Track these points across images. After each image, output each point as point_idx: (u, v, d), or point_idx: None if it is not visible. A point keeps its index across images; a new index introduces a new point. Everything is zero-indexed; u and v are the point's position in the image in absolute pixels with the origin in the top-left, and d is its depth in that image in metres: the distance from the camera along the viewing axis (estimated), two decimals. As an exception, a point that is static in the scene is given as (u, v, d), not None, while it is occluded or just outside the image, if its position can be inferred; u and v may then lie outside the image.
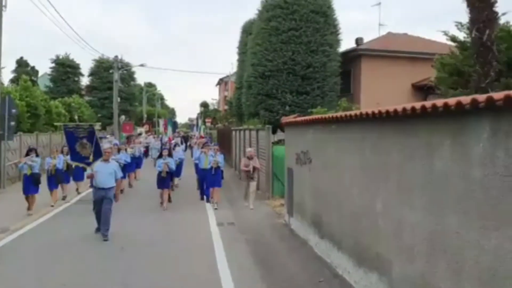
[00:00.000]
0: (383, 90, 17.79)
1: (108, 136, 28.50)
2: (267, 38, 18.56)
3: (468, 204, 3.40)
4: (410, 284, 4.26)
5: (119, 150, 14.17)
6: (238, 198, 12.68)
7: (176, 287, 5.87)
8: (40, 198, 10.98)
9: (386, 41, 21.12)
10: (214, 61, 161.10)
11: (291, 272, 6.39)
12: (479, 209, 3.27)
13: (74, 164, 10.75)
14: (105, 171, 8.32)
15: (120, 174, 8.88)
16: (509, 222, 2.97)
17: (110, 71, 39.38)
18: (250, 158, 11.56)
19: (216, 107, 62.45)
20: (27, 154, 11.03)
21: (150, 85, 68.86)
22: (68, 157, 10.70)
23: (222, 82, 57.87)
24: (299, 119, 8.91)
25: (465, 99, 3.27)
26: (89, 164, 8.75)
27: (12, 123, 13.56)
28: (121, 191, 13.06)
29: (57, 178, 11.67)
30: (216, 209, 11.12)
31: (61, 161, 11.70)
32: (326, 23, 18.58)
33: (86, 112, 33.17)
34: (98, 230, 8.34)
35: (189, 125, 63.75)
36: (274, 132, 15.51)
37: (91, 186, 9.18)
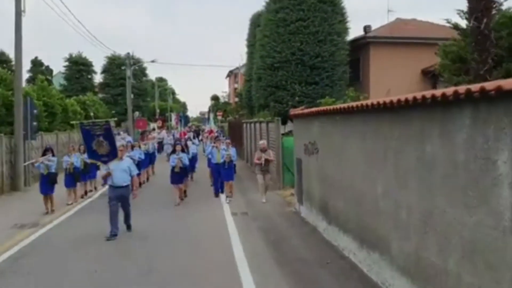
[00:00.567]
0: (392, 77, 17.70)
1: (121, 132, 29.19)
2: (275, 29, 18.69)
3: (453, 185, 3.79)
4: (406, 259, 4.68)
5: (132, 147, 14.39)
6: (250, 189, 13.14)
7: (195, 269, 6.36)
8: (60, 196, 11.29)
9: (395, 27, 20.86)
10: (223, 53, 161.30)
11: (301, 255, 6.85)
12: (463, 189, 3.66)
13: (91, 161, 10.47)
14: (120, 169, 8.32)
15: (135, 170, 8.84)
16: (486, 200, 3.36)
17: (122, 68, 40.12)
18: (262, 150, 11.52)
19: (226, 99, 62.82)
20: (43, 154, 11.12)
21: (161, 80, 69.53)
22: (85, 155, 10.64)
23: (231, 74, 58.13)
24: (306, 111, 9.29)
25: (449, 91, 3.64)
26: (106, 162, 8.50)
27: (34, 123, 14.20)
28: (140, 184, 13.17)
29: (74, 177, 11.81)
30: (229, 202, 11.25)
31: (78, 159, 11.84)
32: (334, 12, 18.63)
33: (101, 109, 33.88)
34: (111, 237, 8.02)
35: (201, 119, 64.30)
36: (284, 123, 15.78)
37: (104, 183, 9.40)
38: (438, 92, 3.80)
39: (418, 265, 4.43)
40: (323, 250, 6.99)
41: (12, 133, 15.13)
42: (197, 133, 31.62)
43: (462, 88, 3.47)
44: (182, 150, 11.88)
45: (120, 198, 8.26)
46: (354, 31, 21.77)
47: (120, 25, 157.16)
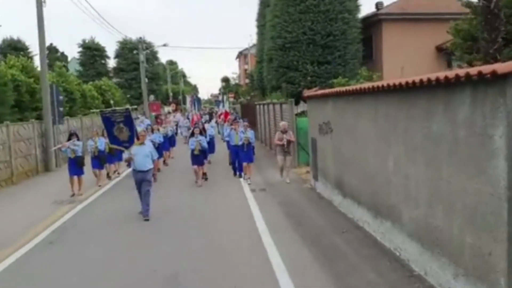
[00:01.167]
0: (406, 54, 17.62)
1: (139, 116, 29.88)
2: (285, 9, 18.69)
3: (456, 157, 4.26)
4: (416, 226, 5.20)
5: (152, 130, 14.82)
6: (266, 168, 13.71)
7: (222, 239, 7.01)
8: (88, 178, 11.91)
9: (408, 3, 20.24)
10: (232, 34, 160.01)
11: (318, 225, 7.45)
12: (464, 162, 4.13)
13: (113, 147, 10.74)
14: (141, 154, 8.54)
15: (156, 155, 9.04)
16: (484, 170, 3.84)
17: (134, 52, 40.61)
18: (283, 131, 11.51)
19: (237, 81, 62.94)
20: (69, 139, 11.50)
21: (171, 63, 69.90)
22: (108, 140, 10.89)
23: (241, 55, 58.04)
24: (319, 92, 9.72)
25: (451, 74, 4.08)
26: (127, 147, 8.78)
27: (61, 109, 14.97)
28: (158, 169, 13.45)
29: (100, 159, 12.27)
30: (249, 184, 11.41)
31: (102, 143, 12.26)
32: None
33: (117, 93, 34.56)
34: (141, 212, 8.55)
35: (214, 101, 64.65)
36: (297, 103, 16.08)
37: (128, 165, 9.85)
38: (441, 75, 4.24)
39: (426, 230, 4.95)
40: (339, 221, 7.57)
41: (37, 118, 16.08)
42: (210, 116, 32.15)
43: (462, 71, 3.90)
44: (200, 133, 12.17)
45: (142, 181, 8.55)
46: (367, 8, 21.60)
47: (128, 7, 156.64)
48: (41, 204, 10.31)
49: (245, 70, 52.58)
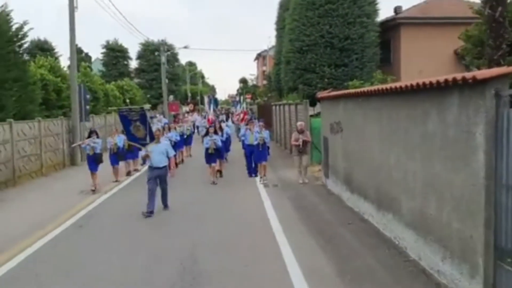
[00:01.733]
0: (424, 58, 17.71)
1: (157, 115, 30.82)
2: (304, 13, 19.15)
3: (446, 153, 4.78)
4: (413, 216, 5.72)
5: (169, 129, 15.34)
6: (280, 166, 14.26)
7: (236, 226, 7.66)
8: (107, 173, 12.51)
9: (427, 7, 20.50)
10: (251, 36, 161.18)
11: (326, 218, 8.00)
12: (452, 157, 4.65)
13: (130, 144, 11.14)
14: (157, 151, 8.83)
15: (172, 152, 9.27)
16: (468, 163, 4.35)
17: (156, 54, 41.81)
18: (300, 132, 11.56)
19: (254, 82, 63.64)
20: (89, 136, 11.80)
21: (190, 64, 71.21)
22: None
23: (260, 57, 58.78)
24: (331, 94, 10.26)
25: (441, 79, 4.60)
26: (144, 144, 9.10)
27: (87, 107, 15.89)
28: (176, 164, 13.70)
29: (118, 156, 12.72)
30: (264, 183, 11.50)
31: (121, 140, 12.49)
32: None
33: (138, 93, 35.68)
34: (147, 213, 8.52)
35: (231, 102, 65.47)
36: (313, 105, 16.45)
37: (143, 163, 10.21)
38: (434, 79, 4.75)
39: (421, 219, 5.46)
40: (346, 214, 8.11)
41: (64, 115, 17.05)
42: (227, 116, 32.79)
43: (450, 77, 4.42)
44: (215, 132, 12.44)
45: (158, 178, 8.80)
46: (385, 13, 21.72)
47: (147, 11, 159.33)
48: (69, 194, 11.17)
49: (263, 71, 53.24)
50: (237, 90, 66.93)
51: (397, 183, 6.24)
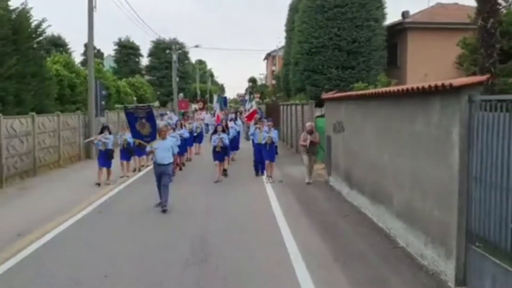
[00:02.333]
0: (430, 62, 18.16)
1: (168, 112, 31.55)
2: (313, 16, 19.73)
3: (429, 150, 5.42)
4: (402, 207, 6.36)
5: (181, 126, 15.41)
6: (286, 164, 14.87)
7: (242, 216, 8.33)
8: (114, 169, 12.58)
9: (434, 12, 21.08)
10: (261, 36, 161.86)
11: (325, 210, 8.69)
12: (434, 153, 5.29)
13: (135, 141, 10.80)
14: (162, 148, 8.90)
15: (176, 149, 9.31)
16: (446, 159, 4.99)
17: (167, 52, 42.63)
18: (309, 132, 11.66)
19: (263, 82, 64.26)
20: (101, 132, 11.95)
21: (200, 62, 71.94)
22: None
23: (269, 57, 59.35)
24: (335, 95, 10.91)
25: (426, 85, 5.24)
26: (148, 141, 9.10)
27: (102, 103, 16.66)
28: (183, 164, 14.35)
29: (129, 151, 12.85)
30: (271, 182, 11.67)
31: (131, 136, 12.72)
32: None
33: (148, 90, 36.47)
34: (158, 204, 8.89)
35: (239, 101, 66.15)
36: (321, 106, 16.90)
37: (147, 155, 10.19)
38: (420, 85, 5.40)
39: (408, 210, 6.11)
40: (344, 207, 8.78)
41: (76, 110, 17.79)
42: (235, 115, 33.25)
43: (433, 84, 5.06)
44: (223, 131, 12.59)
45: (162, 174, 8.87)
46: (394, 16, 22.04)
47: (160, 6, 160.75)
48: (86, 184, 11.84)
49: (273, 71, 53.85)
50: (246, 90, 67.66)
51: (389, 178, 6.88)
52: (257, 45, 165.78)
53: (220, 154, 12.21)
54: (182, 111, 34.94)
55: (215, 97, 36.34)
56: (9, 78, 13.14)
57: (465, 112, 4.65)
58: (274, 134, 12.26)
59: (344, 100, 9.78)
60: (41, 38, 15.81)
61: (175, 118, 24.31)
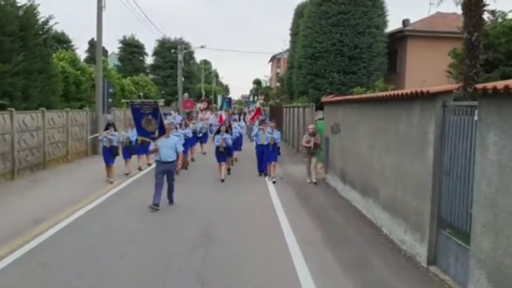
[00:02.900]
0: (429, 69, 18.64)
1: (172, 112, 32.16)
2: (317, 21, 20.37)
3: (410, 148, 6.18)
4: (387, 200, 7.11)
5: (186, 125, 15.76)
6: (287, 163, 15.61)
7: (244, 209, 9.08)
8: (118, 167, 12.86)
9: (433, 21, 21.68)
10: (266, 38, 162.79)
11: (320, 203, 9.46)
12: (414, 151, 6.04)
13: (140, 138, 10.13)
14: (166, 145, 8.89)
15: (181, 147, 9.34)
16: (423, 156, 5.74)
17: (172, 51, 43.20)
18: (312, 134, 11.82)
19: (268, 84, 64.94)
20: (106, 129, 11.95)
21: (205, 63, 72.74)
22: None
23: (274, 59, 59.95)
24: (333, 99, 11.67)
25: (409, 91, 5.99)
26: (154, 139, 8.99)
27: (110, 100, 17.34)
28: (187, 163, 14.24)
29: (131, 150, 12.87)
30: (274, 182, 11.85)
31: (134, 134, 12.02)
32: (374, 6, 20.16)
33: (152, 89, 37.04)
34: (153, 206, 8.68)
35: (243, 102, 66.85)
36: (322, 109, 17.49)
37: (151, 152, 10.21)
38: (404, 91, 6.16)
39: (393, 202, 6.86)
40: (338, 201, 9.56)
41: (81, 107, 18.27)
42: (239, 116, 33.87)
43: (414, 90, 5.82)
44: (226, 131, 12.69)
45: (165, 173, 8.89)
46: (395, 24, 22.71)
47: (165, 6, 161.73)
48: (95, 178, 12.31)
49: (277, 73, 54.51)
50: (251, 91, 68.37)
51: (377, 174, 7.64)
52: (263, 47, 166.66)
53: (223, 154, 12.31)
54: (187, 111, 35.61)
55: (219, 98, 36.91)
56: (16, 74, 13.21)
57: (440, 115, 5.40)
58: (276, 135, 12.48)
59: (341, 103, 10.53)
60: (47, 35, 15.74)
61: (179, 118, 24.36)
